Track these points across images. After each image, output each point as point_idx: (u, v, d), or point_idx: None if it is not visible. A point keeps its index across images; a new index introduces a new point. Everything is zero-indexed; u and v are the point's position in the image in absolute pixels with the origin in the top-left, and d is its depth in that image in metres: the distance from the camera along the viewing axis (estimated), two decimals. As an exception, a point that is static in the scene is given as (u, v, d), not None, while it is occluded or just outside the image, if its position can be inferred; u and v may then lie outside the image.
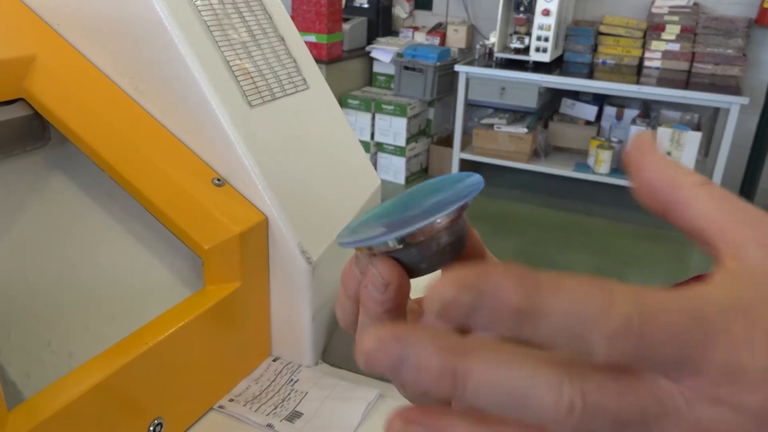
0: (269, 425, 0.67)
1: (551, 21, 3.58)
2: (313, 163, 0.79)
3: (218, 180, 0.72)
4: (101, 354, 0.57)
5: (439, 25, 4.35)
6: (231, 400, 0.71)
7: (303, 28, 3.82)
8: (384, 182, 3.51)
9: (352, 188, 0.84)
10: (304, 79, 0.84)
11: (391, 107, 3.95)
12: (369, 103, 3.99)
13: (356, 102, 4.02)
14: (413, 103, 3.99)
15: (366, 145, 4.07)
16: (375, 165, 4.13)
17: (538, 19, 3.61)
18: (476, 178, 0.28)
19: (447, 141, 4.16)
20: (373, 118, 4.01)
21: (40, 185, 0.76)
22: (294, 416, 0.69)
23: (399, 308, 0.26)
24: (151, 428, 0.61)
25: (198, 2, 0.73)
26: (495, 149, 3.88)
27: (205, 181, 0.71)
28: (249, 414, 0.68)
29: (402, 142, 3.99)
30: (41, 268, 0.72)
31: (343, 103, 4.06)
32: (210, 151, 0.72)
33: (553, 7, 3.57)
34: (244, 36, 0.77)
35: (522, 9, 3.70)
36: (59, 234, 0.75)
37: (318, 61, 3.85)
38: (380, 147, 4.08)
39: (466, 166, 3.99)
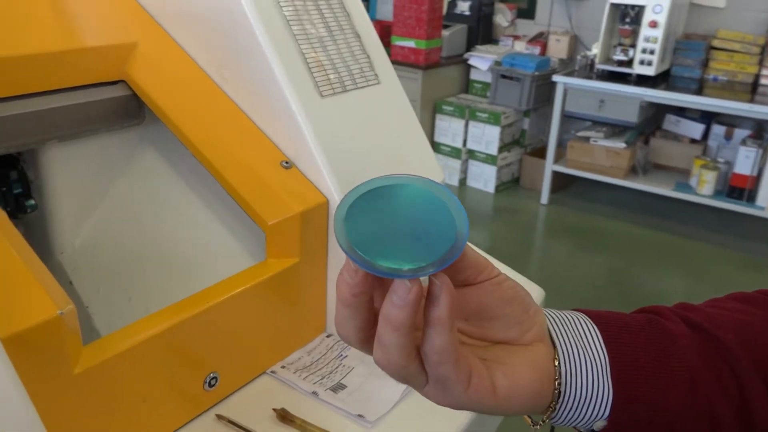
0: (314, 393, 0.72)
1: (658, 33, 3.45)
2: (376, 152, 0.84)
3: (286, 163, 0.78)
4: (167, 308, 0.64)
5: (541, 34, 4.29)
6: (283, 367, 0.76)
7: (403, 33, 3.90)
8: (473, 190, 3.51)
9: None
10: (376, 75, 0.88)
11: (485, 115, 3.94)
12: (463, 110, 4.00)
13: (450, 108, 4.04)
14: (508, 112, 3.96)
15: (457, 152, 4.08)
16: (465, 172, 4.13)
17: (645, 30, 3.48)
18: (461, 233, 0.31)
19: (541, 152, 4.10)
20: (467, 125, 4.02)
21: (135, 159, 0.85)
22: (338, 387, 0.73)
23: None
24: (207, 380, 0.67)
25: (285, 6, 0.79)
26: (590, 163, 3.78)
27: (274, 163, 0.77)
28: (297, 381, 0.73)
29: (494, 151, 3.97)
30: (129, 232, 0.81)
31: (437, 108, 4.09)
32: (281, 135, 0.78)
33: (662, 18, 3.44)
34: (322, 31, 0.83)
35: (628, 20, 3.59)
36: (146, 203, 0.83)
37: (415, 66, 3.91)
38: (471, 154, 4.08)
39: (559, 178, 3.91)
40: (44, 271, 0.55)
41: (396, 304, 0.31)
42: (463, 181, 4.13)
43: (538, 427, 0.41)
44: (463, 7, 4.29)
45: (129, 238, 0.80)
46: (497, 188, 4.05)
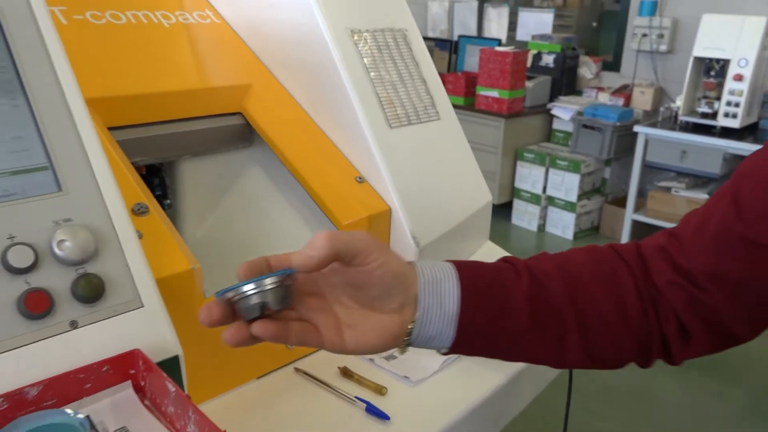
0: (371, 359, 0.90)
1: (744, 86, 3.47)
2: (433, 175, 1.03)
3: (360, 178, 0.98)
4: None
5: (626, 86, 4.37)
6: (348, 340, 0.95)
7: (487, 83, 4.11)
8: (552, 236, 3.61)
9: (461, 199, 1.05)
10: (437, 112, 1.08)
11: (565, 163, 4.04)
12: (544, 157, 4.12)
13: (531, 155, 4.18)
14: (588, 160, 4.04)
15: (537, 198, 4.18)
16: (544, 218, 4.22)
17: (730, 84, 3.52)
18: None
19: (621, 201, 4.13)
20: (547, 172, 4.13)
21: (244, 172, 1.09)
22: (390, 357, 0.91)
23: None
24: (288, 339, 0.87)
25: (363, 51, 1.01)
26: (671, 213, 3.79)
27: (350, 178, 0.98)
28: (358, 350, 0.92)
29: (573, 198, 4.05)
30: (236, 228, 1.03)
31: (518, 155, 4.24)
32: (357, 157, 0.99)
33: (747, 72, 3.46)
34: (394, 76, 1.04)
35: (713, 73, 3.63)
36: (250, 206, 1.06)
37: (498, 114, 4.09)
38: (551, 201, 4.17)
39: (640, 228, 3.92)
40: (182, 242, 0.77)
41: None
42: (541, 227, 4.22)
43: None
44: (548, 60, 4.46)
45: (236, 233, 1.03)
46: (576, 235, 4.11)
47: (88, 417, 0.56)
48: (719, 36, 3.57)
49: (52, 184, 0.65)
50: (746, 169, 0.57)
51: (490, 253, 1.13)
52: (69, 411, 0.56)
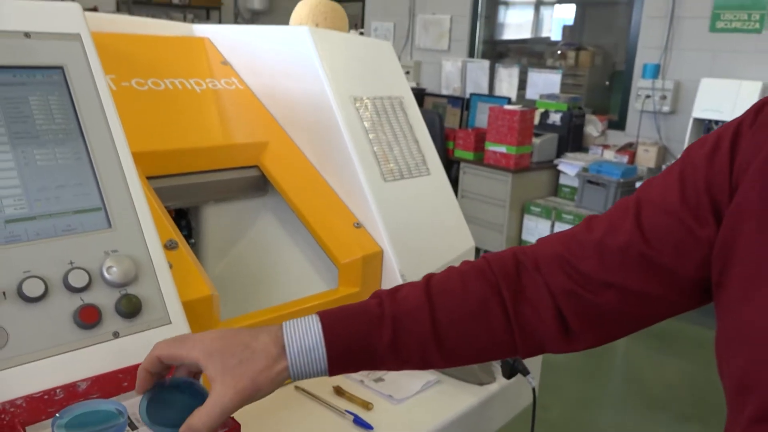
0: (361, 381, 1.03)
1: (741, 147, 3.61)
2: (421, 222, 1.18)
3: (357, 224, 1.14)
4: (257, 312, 0.99)
5: (630, 144, 4.54)
6: (343, 364, 1.08)
7: (495, 139, 4.30)
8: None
9: (446, 243, 1.20)
10: (427, 169, 1.24)
11: (571, 217, 4.18)
12: (550, 211, 4.26)
13: (538, 209, 4.32)
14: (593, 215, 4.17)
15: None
16: (551, 270, 4.32)
17: (728, 144, 3.66)
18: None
19: (626, 255, 4.23)
20: (552, 225, 4.26)
21: (259, 218, 1.25)
22: (379, 380, 1.04)
23: None
24: (290, 360, 1.01)
25: (363, 115, 1.19)
26: (674, 267, 3.88)
27: (349, 223, 1.13)
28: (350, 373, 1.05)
29: (578, 251, 4.16)
30: (252, 266, 1.19)
31: (525, 209, 4.38)
32: (356, 205, 1.15)
33: (744, 133, 3.61)
34: (389, 137, 1.21)
35: (712, 134, 3.79)
36: (263, 249, 1.21)
37: (505, 169, 4.26)
38: (557, 253, 4.28)
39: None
40: (205, 274, 0.93)
41: None
42: (548, 278, 4.32)
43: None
44: (555, 118, 4.65)
45: (250, 269, 1.18)
46: (581, 287, 4.20)
47: (125, 408, 0.70)
48: (717, 99, 3.74)
49: (104, 222, 0.81)
50: (647, 194, 0.68)
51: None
52: (110, 402, 0.70)
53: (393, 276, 1.10)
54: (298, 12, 1.47)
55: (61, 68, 0.87)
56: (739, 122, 0.63)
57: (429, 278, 0.73)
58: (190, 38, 1.39)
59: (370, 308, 0.70)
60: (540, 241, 0.74)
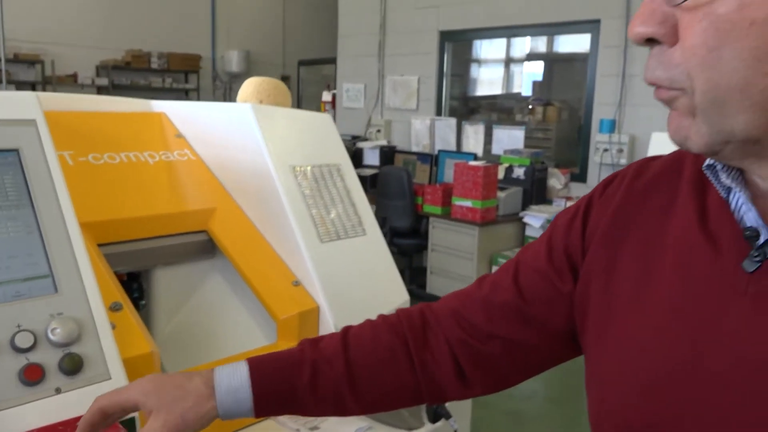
0: (297, 430, 1.11)
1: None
2: (357, 278, 1.28)
3: (296, 282, 1.23)
4: (202, 365, 1.07)
5: (592, 196, 4.71)
6: (282, 415, 1.16)
7: (461, 194, 4.44)
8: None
9: (381, 298, 1.30)
10: (363, 229, 1.35)
11: (537, 267, 4.29)
12: (517, 262, 4.38)
13: (504, 261, 4.43)
14: (558, 264, 4.30)
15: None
16: (521, 320, 4.41)
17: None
18: None
19: (593, 303, 4.34)
20: (520, 276, 4.37)
21: (206, 279, 1.34)
22: (314, 428, 1.12)
23: None
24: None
25: (302, 183, 1.30)
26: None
27: (288, 282, 1.23)
28: (289, 422, 1.13)
29: (546, 300, 4.26)
30: (199, 326, 1.27)
31: (493, 261, 4.50)
32: (295, 265, 1.25)
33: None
34: (327, 201, 1.32)
35: (665, 184, 3.97)
36: (211, 308, 1.30)
37: (472, 222, 4.40)
38: (526, 303, 4.38)
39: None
40: (147, 332, 1.01)
41: None
42: (518, 329, 4.40)
43: None
44: (519, 173, 4.83)
45: (199, 326, 1.26)
46: (550, 336, 4.28)
47: (64, 457, 0.77)
48: (667, 152, 3.93)
49: (51, 288, 0.90)
50: (524, 256, 0.77)
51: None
52: (50, 452, 0.78)
53: (329, 330, 1.18)
54: (244, 90, 1.61)
55: (16, 150, 0.97)
56: (592, 194, 0.73)
57: (347, 330, 0.83)
58: (148, 114, 1.51)
59: (293, 354, 0.79)
60: (443, 298, 0.84)
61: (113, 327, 0.93)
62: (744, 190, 0.55)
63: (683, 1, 0.48)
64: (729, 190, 0.57)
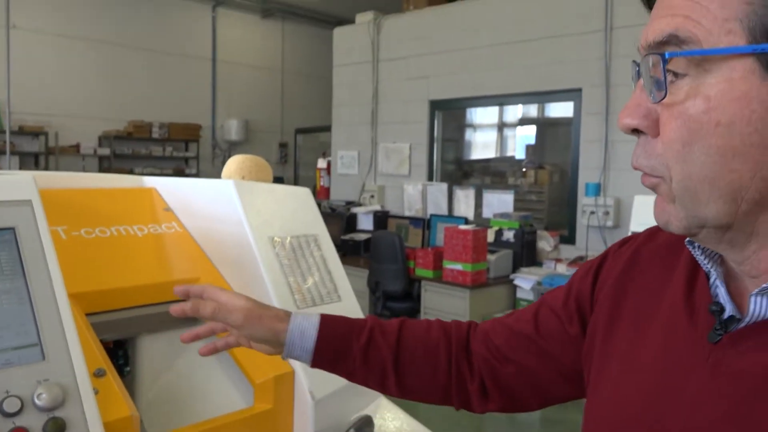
0: (272, 490, 1.15)
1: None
2: (331, 343, 1.34)
3: (273, 347, 1.30)
4: (182, 428, 1.13)
5: (581, 258, 4.79)
6: (258, 477, 1.21)
7: (452, 257, 4.52)
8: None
9: (354, 361, 1.36)
10: (339, 296, 1.43)
11: (528, 329, 4.33)
12: (508, 324, 4.42)
13: (497, 323, 4.47)
14: (549, 326, 4.33)
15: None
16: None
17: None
18: None
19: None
20: (512, 338, 4.40)
21: (188, 347, 1.40)
22: (288, 489, 1.16)
23: None
24: (207, 474, 1.13)
25: (280, 253, 1.39)
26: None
27: (266, 347, 1.29)
28: (264, 484, 1.18)
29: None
30: (180, 390, 1.33)
31: (485, 323, 4.53)
32: (272, 331, 1.31)
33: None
34: (304, 269, 1.40)
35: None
36: (192, 372, 1.36)
37: (463, 286, 4.46)
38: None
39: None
40: (128, 397, 1.08)
41: None
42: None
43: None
44: (509, 236, 4.92)
45: (182, 391, 1.32)
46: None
47: None
48: (650, 213, 4.03)
49: (39, 356, 0.97)
50: (547, 297, 0.88)
51: (385, 405, 1.42)
52: None
53: (303, 394, 1.25)
54: (228, 167, 1.72)
55: (12, 229, 1.06)
56: (608, 250, 0.83)
57: (406, 318, 0.94)
58: (139, 189, 1.62)
59: (359, 320, 0.92)
60: (483, 322, 0.95)
61: (96, 392, 1.00)
62: (717, 268, 0.61)
63: (663, 99, 0.54)
64: (708, 266, 0.62)
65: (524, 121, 7.16)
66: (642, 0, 0.60)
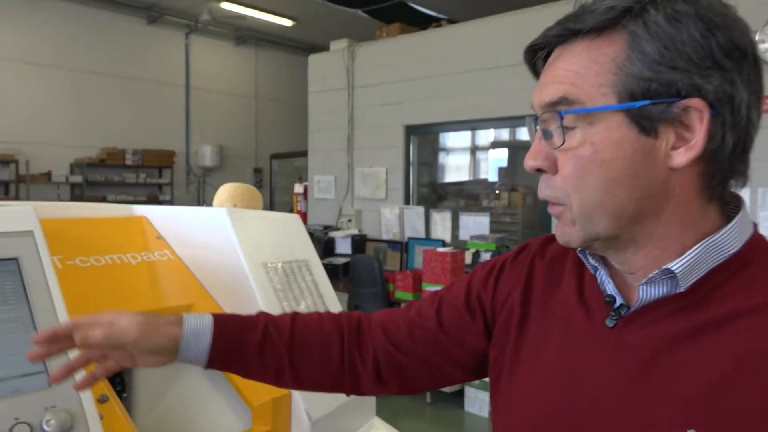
0: None
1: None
2: (325, 365, 1.38)
3: (269, 370, 1.33)
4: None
5: (556, 277, 4.89)
6: (257, 498, 1.23)
7: (430, 279, 4.58)
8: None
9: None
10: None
11: (507, 349, 4.38)
12: (487, 345, 4.47)
13: (476, 344, 4.52)
14: (527, 346, 4.40)
15: (485, 385, 4.45)
16: (495, 403, 4.45)
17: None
18: None
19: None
20: (491, 358, 4.45)
21: (186, 371, 1.43)
22: None
23: None
24: (208, 496, 1.16)
25: (273, 278, 1.43)
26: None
27: (262, 370, 1.33)
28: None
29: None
30: (176, 414, 1.35)
31: (464, 344, 4.58)
32: (267, 354, 1.35)
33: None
34: (296, 292, 1.44)
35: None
36: (191, 398, 1.39)
37: (442, 307, 4.51)
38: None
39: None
40: (130, 420, 1.10)
41: None
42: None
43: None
44: (485, 257, 5.00)
45: (179, 416, 1.34)
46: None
47: None
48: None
49: (45, 383, 1.00)
50: (447, 293, 0.95)
51: (378, 426, 1.46)
52: None
53: (300, 415, 1.28)
54: (219, 195, 1.76)
55: (16, 259, 1.09)
56: (505, 258, 0.93)
57: (297, 313, 0.98)
58: (129, 218, 1.64)
59: (251, 317, 0.95)
60: (375, 313, 1.01)
61: (101, 417, 1.02)
62: (604, 269, 0.76)
63: (560, 146, 0.70)
64: (596, 268, 0.77)
65: (496, 145, 7.30)
66: (531, 71, 0.79)
